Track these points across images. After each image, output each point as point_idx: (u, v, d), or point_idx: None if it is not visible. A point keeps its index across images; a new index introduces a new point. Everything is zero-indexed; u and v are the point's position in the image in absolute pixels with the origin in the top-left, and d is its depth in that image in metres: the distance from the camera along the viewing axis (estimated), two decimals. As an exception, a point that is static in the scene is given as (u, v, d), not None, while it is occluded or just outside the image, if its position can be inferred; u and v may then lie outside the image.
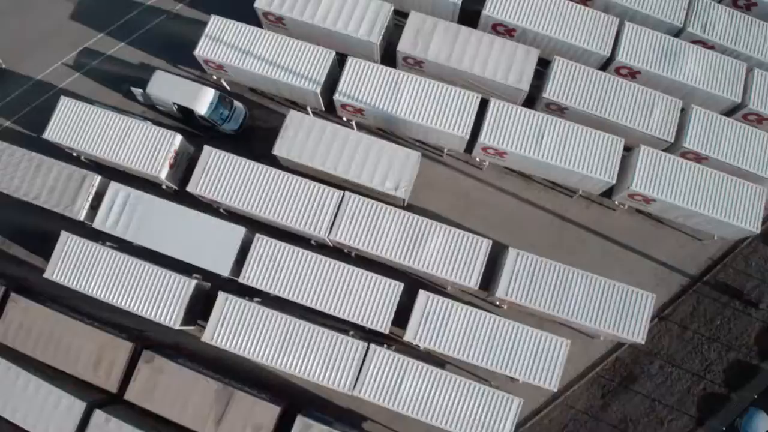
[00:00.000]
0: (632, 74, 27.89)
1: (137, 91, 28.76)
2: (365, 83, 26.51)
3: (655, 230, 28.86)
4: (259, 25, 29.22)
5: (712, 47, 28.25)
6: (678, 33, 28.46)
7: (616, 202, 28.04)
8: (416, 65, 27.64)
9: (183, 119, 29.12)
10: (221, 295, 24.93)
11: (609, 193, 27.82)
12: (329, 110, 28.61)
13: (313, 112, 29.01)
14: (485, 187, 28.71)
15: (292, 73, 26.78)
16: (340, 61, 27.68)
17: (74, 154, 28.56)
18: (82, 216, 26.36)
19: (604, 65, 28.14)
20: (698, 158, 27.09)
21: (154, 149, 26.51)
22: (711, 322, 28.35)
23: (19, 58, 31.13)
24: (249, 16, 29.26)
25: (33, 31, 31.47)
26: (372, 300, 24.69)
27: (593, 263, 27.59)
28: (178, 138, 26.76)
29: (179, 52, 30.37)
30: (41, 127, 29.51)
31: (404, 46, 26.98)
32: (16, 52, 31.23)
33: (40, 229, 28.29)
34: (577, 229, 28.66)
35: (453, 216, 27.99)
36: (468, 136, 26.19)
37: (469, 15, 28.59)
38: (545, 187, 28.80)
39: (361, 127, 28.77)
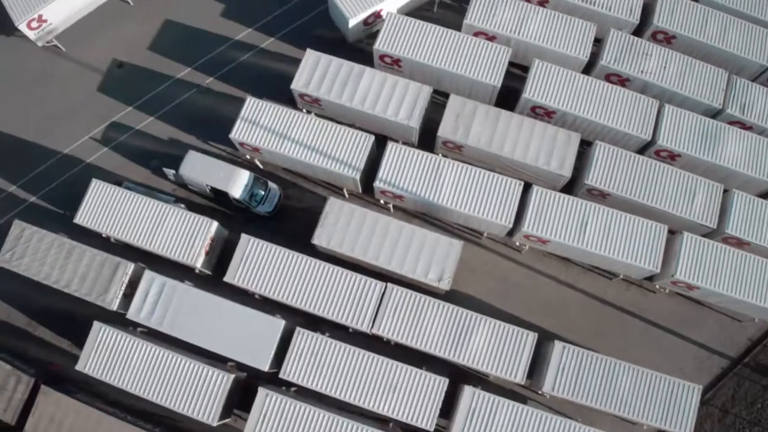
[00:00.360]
0: (672, 157, 27.66)
1: (169, 172, 28.18)
2: (406, 170, 26.10)
3: (695, 312, 28.48)
4: (292, 100, 28.88)
5: (750, 128, 28.14)
6: (716, 114, 28.31)
7: (658, 287, 27.69)
8: (456, 149, 27.28)
9: (215, 199, 28.54)
10: (261, 392, 24.24)
11: (650, 275, 27.48)
12: (366, 190, 28.13)
13: (349, 193, 28.57)
14: (524, 269, 28.27)
15: (330, 158, 26.33)
16: (378, 139, 27.33)
17: (103, 235, 27.90)
18: (115, 306, 25.65)
19: (643, 148, 27.88)
20: (740, 243, 26.84)
21: (189, 237, 25.93)
22: (752, 406, 27.95)
23: (45, 131, 30.51)
24: (282, 88, 28.97)
25: (60, 104, 30.88)
26: (416, 396, 24.09)
27: (633, 347, 27.46)
28: (215, 225, 26.18)
29: (210, 128, 29.96)
30: (68, 202, 29.10)
31: (444, 131, 26.61)
32: (43, 124, 30.63)
33: (68, 310, 27.54)
34: (617, 311, 28.24)
35: (492, 300, 27.58)
36: (511, 225, 25.80)
37: (506, 92, 28.28)
38: (584, 269, 28.40)
39: (397, 208, 28.34)
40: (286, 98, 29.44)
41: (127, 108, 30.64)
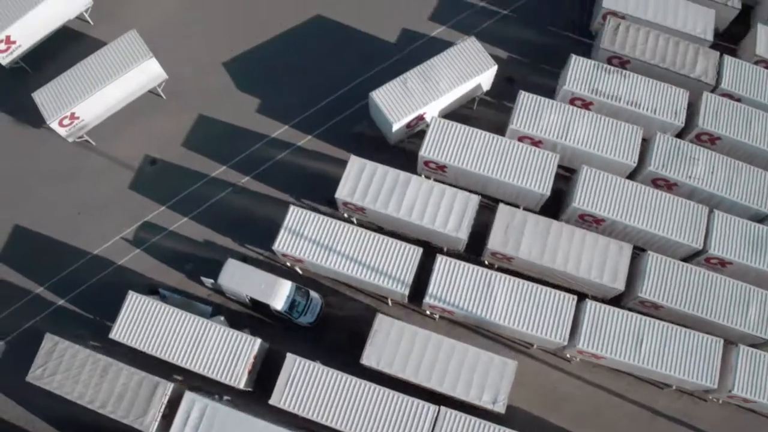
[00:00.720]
0: (722, 264, 27.15)
1: (207, 281, 27.25)
2: (456, 285, 25.35)
3: (748, 420, 27.63)
4: (332, 202, 28.18)
5: (799, 232, 27.79)
6: (763, 219, 27.91)
7: (711, 397, 26.98)
8: (505, 259, 26.62)
9: (254, 308, 27.58)
10: None
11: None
12: (412, 300, 27.25)
13: (394, 303, 27.76)
14: (574, 380, 27.44)
15: (377, 272, 25.55)
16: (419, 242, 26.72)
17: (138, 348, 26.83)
18: (153, 430, 24.49)
19: (693, 255, 27.34)
20: (794, 353, 26.28)
21: (232, 357, 24.88)
22: None
23: (74, 230, 29.52)
24: (321, 188, 28.75)
25: (90, 201, 29.96)
26: None
27: (686, 458, 26.69)
28: (258, 343, 25.15)
29: (246, 229, 29.17)
30: (98, 306, 28.28)
31: (494, 243, 25.94)
32: (72, 222, 29.65)
33: (95, 422, 26.10)
34: (668, 421, 27.42)
35: (542, 413, 26.70)
36: (566, 342, 25.05)
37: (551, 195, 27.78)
38: (635, 378, 27.62)
39: (444, 317, 27.52)
40: (326, 200, 28.89)
41: (160, 207, 29.74)
